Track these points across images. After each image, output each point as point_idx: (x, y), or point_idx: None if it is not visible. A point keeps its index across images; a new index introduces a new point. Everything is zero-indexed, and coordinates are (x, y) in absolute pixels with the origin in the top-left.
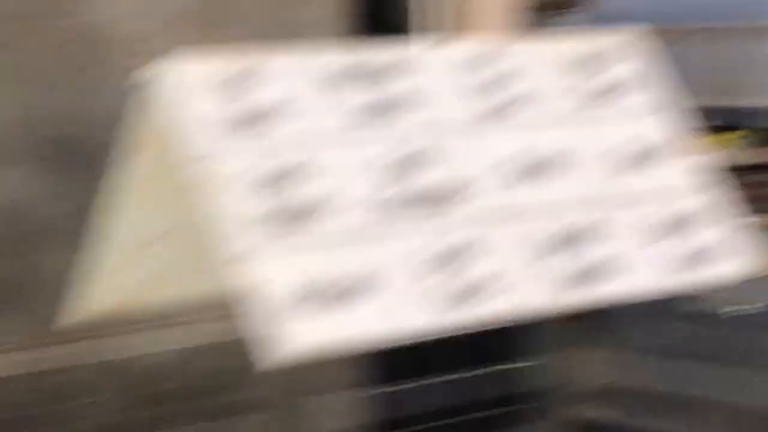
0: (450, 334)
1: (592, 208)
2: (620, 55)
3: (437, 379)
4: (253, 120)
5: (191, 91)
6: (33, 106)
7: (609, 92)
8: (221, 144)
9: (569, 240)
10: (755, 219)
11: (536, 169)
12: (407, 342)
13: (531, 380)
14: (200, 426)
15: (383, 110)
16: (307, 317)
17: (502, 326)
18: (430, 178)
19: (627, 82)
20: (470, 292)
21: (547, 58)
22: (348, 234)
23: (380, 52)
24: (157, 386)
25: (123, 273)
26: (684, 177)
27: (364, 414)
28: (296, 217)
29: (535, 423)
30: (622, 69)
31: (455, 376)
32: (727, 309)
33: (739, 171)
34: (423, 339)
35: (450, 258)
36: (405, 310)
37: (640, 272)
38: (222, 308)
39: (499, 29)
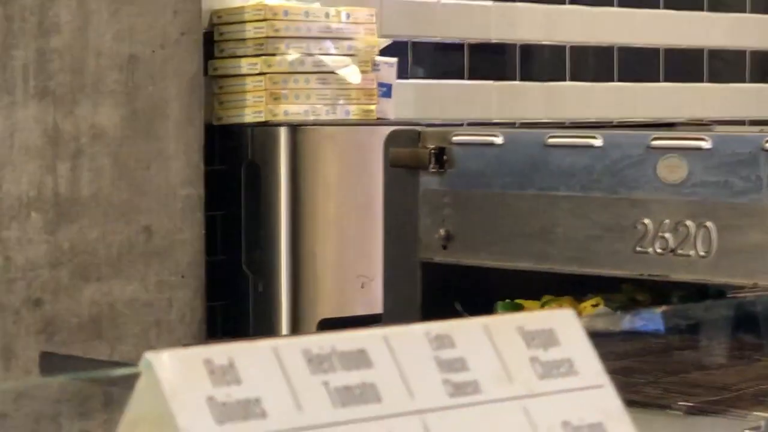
0: None
1: None
2: (565, 330)
3: None
4: (245, 414)
5: (181, 383)
6: None
7: (560, 366)
8: None
9: None
10: None
11: None
12: None
13: None
14: None
15: (367, 395)
16: None
17: None
18: None
19: (572, 357)
20: None
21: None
22: None
23: (351, 336)
24: None
25: None
26: None
27: None
28: None
29: None
30: (568, 345)
31: None
32: None
33: None
34: None
35: None
36: None
37: None
38: None
39: None
